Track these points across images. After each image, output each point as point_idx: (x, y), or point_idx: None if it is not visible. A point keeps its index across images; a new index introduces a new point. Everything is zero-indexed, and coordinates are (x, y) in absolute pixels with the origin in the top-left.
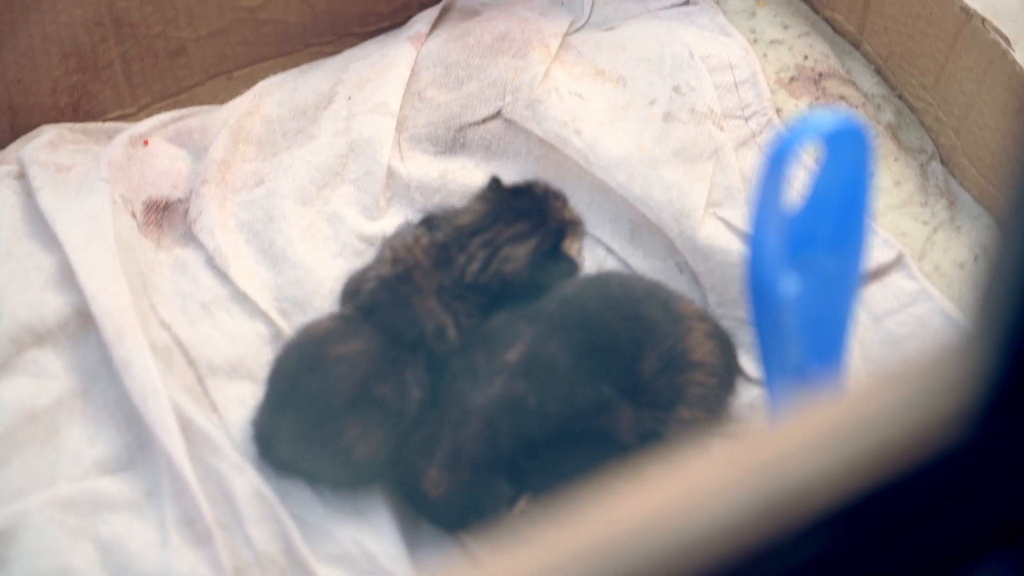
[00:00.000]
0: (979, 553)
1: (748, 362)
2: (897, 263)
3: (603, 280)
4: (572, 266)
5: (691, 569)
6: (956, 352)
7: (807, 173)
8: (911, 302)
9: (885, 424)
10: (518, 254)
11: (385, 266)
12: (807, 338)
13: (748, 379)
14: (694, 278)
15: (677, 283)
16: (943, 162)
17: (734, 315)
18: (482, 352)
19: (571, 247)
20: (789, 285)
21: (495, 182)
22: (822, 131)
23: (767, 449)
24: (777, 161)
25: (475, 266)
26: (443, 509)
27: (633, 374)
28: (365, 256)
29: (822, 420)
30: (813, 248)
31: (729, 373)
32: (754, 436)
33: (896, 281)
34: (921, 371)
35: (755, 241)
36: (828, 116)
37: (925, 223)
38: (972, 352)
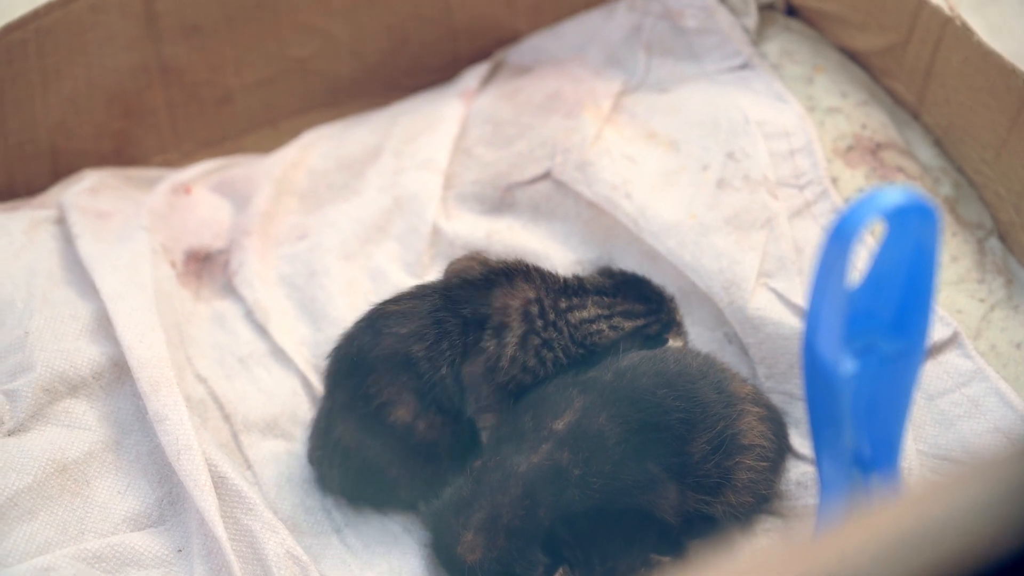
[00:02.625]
0: None
1: (798, 438)
2: (952, 341)
3: (659, 355)
4: None
5: None
6: (1011, 458)
7: (867, 250)
8: (966, 382)
9: (950, 530)
10: (627, 327)
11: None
12: (862, 423)
13: (798, 456)
14: (743, 349)
15: (726, 354)
16: (1001, 238)
17: (784, 389)
18: (530, 417)
19: (675, 342)
20: (846, 366)
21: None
22: (886, 208)
23: (818, 560)
24: (839, 238)
25: (585, 314)
26: (478, 574)
27: (682, 455)
28: None
29: (880, 525)
30: (873, 329)
31: (780, 456)
32: (807, 542)
33: (951, 360)
34: (988, 471)
35: (811, 320)
36: (893, 192)
37: (982, 301)
38: None
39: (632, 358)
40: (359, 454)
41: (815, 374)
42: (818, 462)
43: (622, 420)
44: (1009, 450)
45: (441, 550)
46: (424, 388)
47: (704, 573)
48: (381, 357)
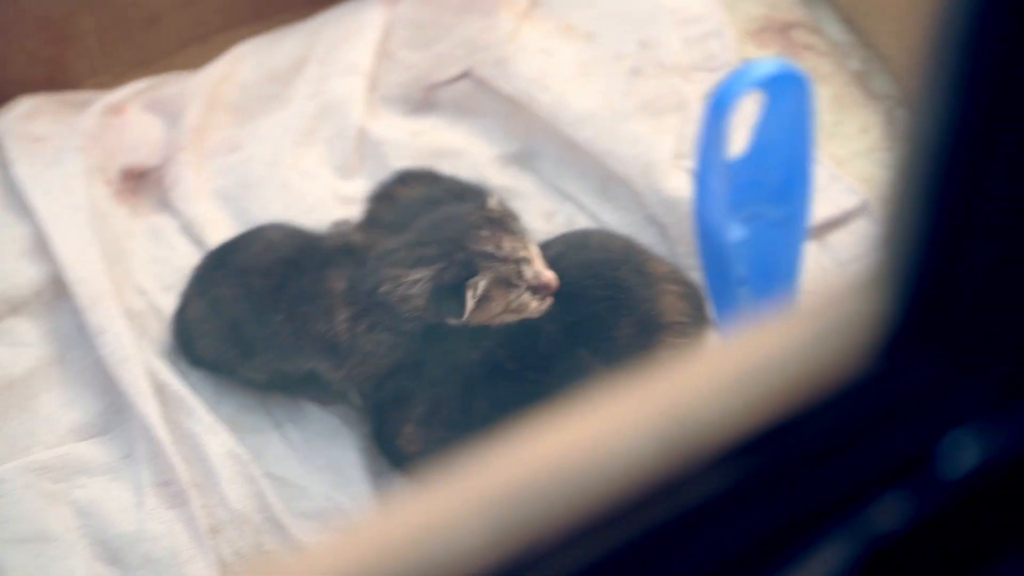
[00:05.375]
0: (881, 487)
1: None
2: (862, 209)
3: (582, 241)
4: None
5: (595, 507)
6: (858, 289)
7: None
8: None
9: (785, 362)
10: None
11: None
12: (756, 285)
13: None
14: (663, 230)
15: (647, 235)
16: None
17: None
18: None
19: (476, 285)
20: (734, 233)
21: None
22: (759, 78)
23: (673, 390)
24: (716, 110)
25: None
26: (417, 465)
27: (609, 339)
28: (338, 215)
29: (727, 360)
30: (760, 198)
31: (699, 330)
32: (662, 377)
33: (862, 227)
34: (823, 309)
35: (699, 190)
36: (765, 63)
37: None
38: (874, 289)
39: (555, 246)
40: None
41: (707, 242)
42: (718, 325)
43: (554, 313)
44: (839, 290)
45: (382, 442)
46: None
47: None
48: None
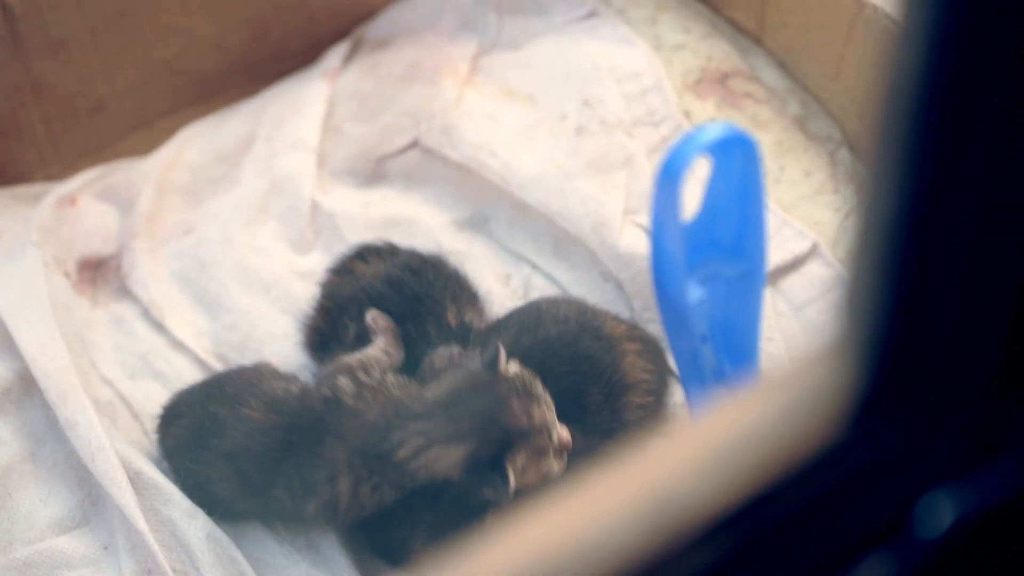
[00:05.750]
0: (861, 551)
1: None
2: (813, 252)
3: (536, 318)
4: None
5: None
6: (824, 359)
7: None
8: (829, 289)
9: (760, 436)
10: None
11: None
12: (719, 342)
13: (679, 379)
14: (618, 285)
15: (603, 292)
16: (850, 148)
17: (660, 318)
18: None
19: (515, 461)
20: (693, 294)
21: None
22: (707, 143)
23: (654, 471)
24: (667, 177)
25: (405, 452)
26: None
27: (580, 408)
28: (297, 291)
29: (703, 437)
30: (715, 257)
31: (662, 384)
32: (645, 457)
33: (813, 270)
34: (791, 380)
35: (656, 255)
36: (712, 128)
37: (837, 210)
38: (840, 357)
39: (510, 327)
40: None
41: (667, 304)
42: (683, 384)
43: None
44: (807, 360)
45: (385, 555)
46: None
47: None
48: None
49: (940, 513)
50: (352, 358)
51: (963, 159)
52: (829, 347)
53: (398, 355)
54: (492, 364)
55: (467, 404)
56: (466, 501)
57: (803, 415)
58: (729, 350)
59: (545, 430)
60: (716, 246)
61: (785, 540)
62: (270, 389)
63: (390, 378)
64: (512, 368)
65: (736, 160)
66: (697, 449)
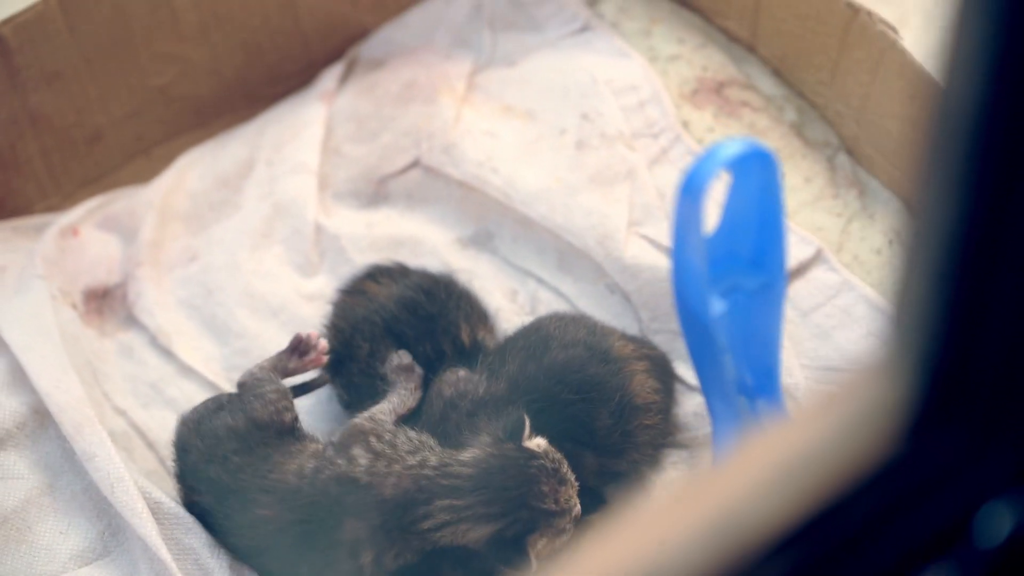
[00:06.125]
0: (923, 562)
1: (689, 370)
2: (817, 258)
3: (543, 343)
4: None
5: None
6: (877, 375)
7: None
8: (835, 294)
9: (820, 453)
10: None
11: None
12: (741, 354)
13: (689, 387)
14: (625, 297)
15: (609, 304)
16: (848, 152)
17: (668, 328)
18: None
19: (536, 543)
20: (715, 308)
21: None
22: (727, 159)
23: (720, 492)
24: (688, 194)
25: (430, 524)
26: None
27: (591, 431)
28: (305, 314)
29: (765, 457)
30: (736, 270)
31: (670, 399)
32: (702, 481)
33: (818, 275)
34: (846, 398)
35: (678, 271)
36: (732, 144)
37: (839, 215)
38: (892, 374)
39: (516, 358)
40: None
41: (689, 319)
42: (707, 397)
43: (536, 425)
44: (861, 377)
45: None
46: None
47: (625, 526)
48: None
49: (999, 522)
50: (365, 419)
51: (1019, 174)
52: (880, 364)
53: (415, 400)
54: (515, 436)
55: (497, 484)
56: (487, 561)
57: (860, 431)
58: (750, 362)
59: (569, 514)
60: (736, 259)
61: (848, 554)
62: (282, 478)
63: (402, 441)
64: (538, 443)
65: (755, 173)
66: (760, 468)
